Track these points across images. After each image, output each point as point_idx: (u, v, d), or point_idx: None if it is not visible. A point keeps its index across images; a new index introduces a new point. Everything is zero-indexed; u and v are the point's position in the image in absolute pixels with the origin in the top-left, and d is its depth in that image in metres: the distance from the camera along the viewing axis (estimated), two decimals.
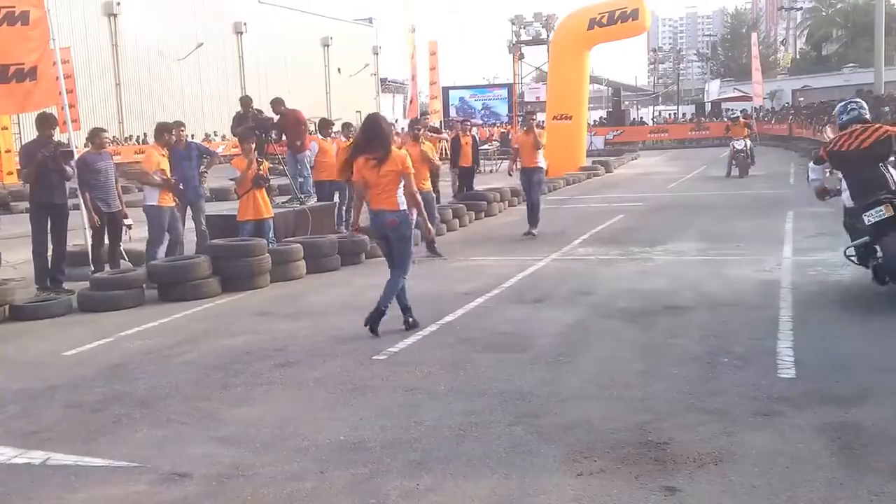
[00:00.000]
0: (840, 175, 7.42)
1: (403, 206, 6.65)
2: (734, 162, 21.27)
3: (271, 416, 4.85)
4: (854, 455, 3.85)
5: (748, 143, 21.57)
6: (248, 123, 12.01)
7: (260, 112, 12.21)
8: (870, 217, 6.77)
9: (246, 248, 9.09)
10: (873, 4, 29.77)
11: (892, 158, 7.07)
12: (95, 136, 9.56)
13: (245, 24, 44.57)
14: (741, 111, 35.37)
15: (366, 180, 6.60)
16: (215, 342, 6.77)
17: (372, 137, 6.58)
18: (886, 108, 18.06)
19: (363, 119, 7.63)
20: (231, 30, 44.51)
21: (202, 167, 10.62)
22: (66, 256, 9.20)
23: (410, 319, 6.77)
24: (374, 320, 6.55)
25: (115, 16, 37.42)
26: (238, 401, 5.20)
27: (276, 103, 12.83)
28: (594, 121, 43.86)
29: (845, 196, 7.27)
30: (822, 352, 5.55)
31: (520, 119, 33.82)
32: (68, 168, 8.99)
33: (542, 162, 12.55)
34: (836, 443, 3.99)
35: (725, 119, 29.69)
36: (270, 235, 10.00)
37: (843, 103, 7.62)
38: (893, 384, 4.82)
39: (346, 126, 14.61)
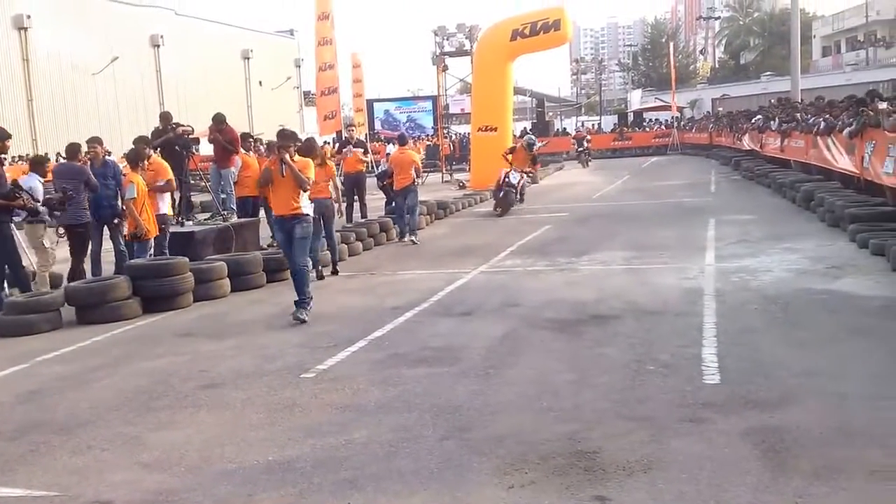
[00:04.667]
0: None
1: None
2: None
3: (197, 439, 4.71)
4: (779, 458, 3.95)
5: (523, 176, 18.42)
6: (168, 138, 11.71)
7: (178, 125, 11.93)
8: None
9: (167, 267, 8.82)
10: (789, 13, 31.01)
11: None
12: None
13: (162, 36, 43.57)
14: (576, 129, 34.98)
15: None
16: (137, 365, 6.53)
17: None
18: (799, 116, 18.76)
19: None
20: (147, 43, 43.46)
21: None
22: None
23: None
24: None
25: (25, 29, 36.05)
26: (162, 424, 5.03)
27: (218, 121, 12.77)
28: (519, 131, 44.43)
29: None
30: (745, 357, 5.69)
31: (445, 130, 34.06)
32: None
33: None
34: (761, 447, 4.09)
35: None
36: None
37: None
38: (815, 387, 4.98)
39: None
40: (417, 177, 13.80)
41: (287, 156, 7.87)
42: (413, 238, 13.29)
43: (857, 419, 4.41)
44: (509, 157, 18.97)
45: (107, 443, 4.74)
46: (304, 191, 7.95)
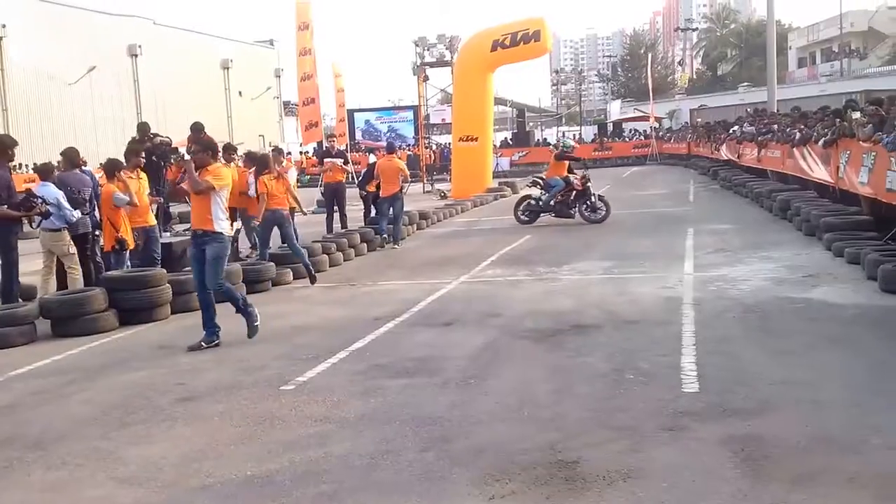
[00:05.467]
0: None
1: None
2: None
3: (174, 454, 4.65)
4: (757, 466, 3.96)
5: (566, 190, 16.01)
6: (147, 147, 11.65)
7: (156, 136, 11.87)
8: None
9: (144, 278, 8.72)
10: (765, 24, 31.38)
11: None
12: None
13: (140, 46, 43.24)
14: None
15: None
16: (113, 378, 6.45)
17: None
18: (776, 127, 18.98)
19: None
20: (125, 52, 43.12)
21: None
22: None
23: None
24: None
25: (0, 39, 35.73)
26: (138, 438, 4.97)
27: (196, 129, 12.71)
28: (500, 142, 44.61)
29: None
30: (723, 366, 5.72)
31: (426, 140, 34.09)
32: None
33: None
34: (740, 455, 4.10)
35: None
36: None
37: None
38: (792, 396, 5.01)
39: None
40: (404, 184, 14.23)
41: (192, 165, 7.30)
42: (395, 244, 13.86)
43: (833, 427, 4.44)
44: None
45: (82, 458, 4.67)
46: (199, 193, 7.16)
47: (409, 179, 15.88)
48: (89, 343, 7.78)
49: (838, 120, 12.55)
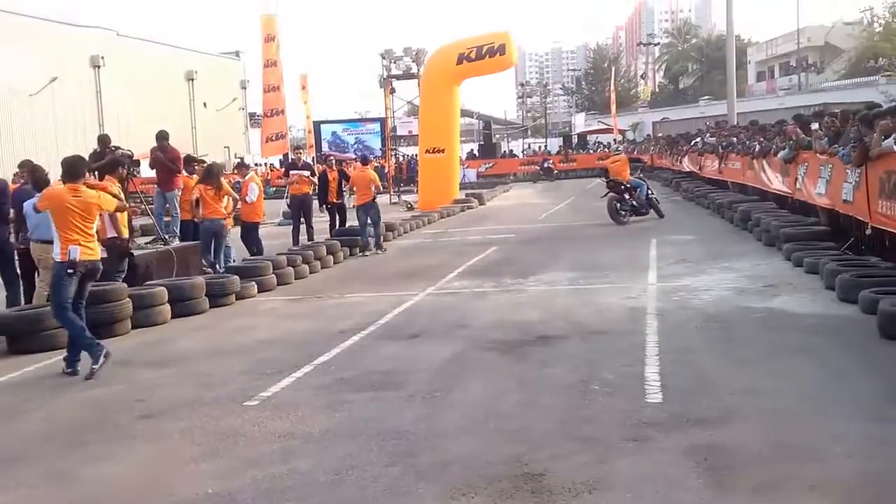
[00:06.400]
0: None
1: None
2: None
3: (133, 473, 4.56)
4: (719, 476, 3.99)
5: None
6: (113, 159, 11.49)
7: (117, 148, 11.71)
8: None
9: (103, 293, 8.55)
10: (724, 39, 31.92)
11: None
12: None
13: (103, 57, 42.68)
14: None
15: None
16: (71, 395, 6.31)
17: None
18: (734, 140, 19.29)
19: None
20: (88, 63, 42.56)
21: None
22: None
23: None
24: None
25: None
26: (96, 458, 4.85)
27: (160, 137, 12.70)
28: (466, 154, 44.75)
29: None
30: (686, 376, 5.77)
31: (393, 152, 34.07)
32: None
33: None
34: (703, 465, 4.13)
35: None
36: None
37: None
38: (754, 405, 5.06)
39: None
40: (377, 194, 14.95)
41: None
42: (379, 250, 14.58)
43: (794, 435, 4.50)
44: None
45: (37, 479, 4.55)
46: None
47: (381, 189, 16.75)
48: (47, 360, 7.57)
49: (791, 136, 12.82)
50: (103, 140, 12.30)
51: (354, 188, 15.06)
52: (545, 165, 41.57)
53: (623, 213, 16.79)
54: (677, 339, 6.85)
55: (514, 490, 3.97)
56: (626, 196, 16.94)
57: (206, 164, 12.44)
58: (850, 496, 3.74)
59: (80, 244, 6.81)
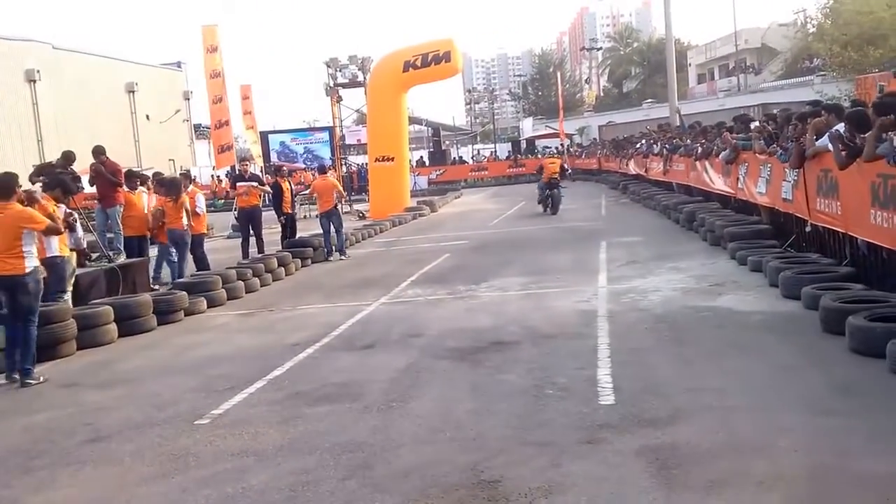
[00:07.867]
0: None
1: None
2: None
3: (81, 499, 4.47)
4: (671, 475, 4.06)
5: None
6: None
7: (63, 171, 11.44)
8: None
9: (45, 314, 8.27)
10: (665, 43, 32.52)
11: None
12: None
13: (38, 71, 41.61)
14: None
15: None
16: (14, 421, 6.13)
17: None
18: (676, 141, 19.66)
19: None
20: (23, 78, 41.46)
21: None
22: None
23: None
24: None
25: None
26: (42, 485, 4.73)
27: (97, 152, 12.49)
28: (416, 161, 44.79)
29: None
30: (637, 377, 5.86)
31: (343, 161, 33.87)
32: None
33: None
34: (655, 464, 4.20)
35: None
36: None
37: None
38: (702, 403, 5.16)
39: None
40: (340, 201, 15.74)
41: None
42: (343, 256, 15.06)
43: (742, 432, 4.60)
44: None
45: None
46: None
47: (345, 196, 17.22)
48: None
49: (727, 144, 13.12)
50: (66, 156, 12.05)
51: (317, 196, 15.61)
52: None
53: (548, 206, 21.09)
54: (628, 341, 6.95)
55: (470, 498, 3.98)
56: (556, 191, 21.14)
57: (170, 178, 13.19)
58: (795, 489, 3.84)
59: None
